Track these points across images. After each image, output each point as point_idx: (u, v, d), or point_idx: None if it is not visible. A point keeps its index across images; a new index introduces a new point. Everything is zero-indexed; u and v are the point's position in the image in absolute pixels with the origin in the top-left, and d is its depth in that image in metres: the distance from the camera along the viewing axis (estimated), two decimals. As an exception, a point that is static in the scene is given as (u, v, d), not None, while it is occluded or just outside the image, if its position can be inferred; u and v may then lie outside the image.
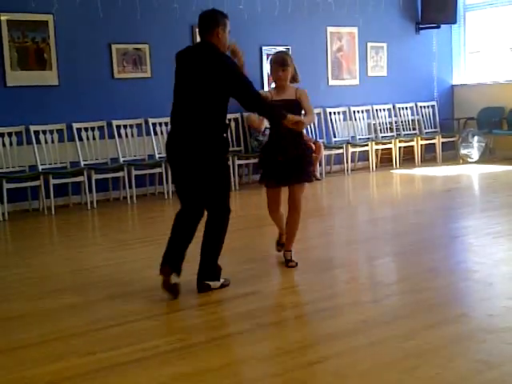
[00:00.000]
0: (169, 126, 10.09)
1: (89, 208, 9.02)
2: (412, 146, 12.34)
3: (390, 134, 12.36)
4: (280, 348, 3.86)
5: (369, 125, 12.15)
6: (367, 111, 12.08)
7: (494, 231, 6.52)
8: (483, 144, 12.07)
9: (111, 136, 9.65)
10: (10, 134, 8.92)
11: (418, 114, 12.78)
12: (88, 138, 9.47)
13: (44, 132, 9.13)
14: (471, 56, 13.36)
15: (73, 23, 9.38)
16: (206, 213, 5.03)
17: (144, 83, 10.00)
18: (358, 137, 11.94)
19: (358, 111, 12.00)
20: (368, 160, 11.87)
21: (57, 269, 6.04)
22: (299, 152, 5.34)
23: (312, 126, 11.23)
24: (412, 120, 12.69)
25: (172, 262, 4.87)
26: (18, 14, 8.96)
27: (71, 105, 9.39)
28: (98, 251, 6.74)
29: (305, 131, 11.03)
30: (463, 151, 12.20)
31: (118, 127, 9.72)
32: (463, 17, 13.17)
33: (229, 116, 10.77)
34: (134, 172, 9.47)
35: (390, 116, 12.41)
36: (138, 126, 9.89)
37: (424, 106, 12.87)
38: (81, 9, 9.40)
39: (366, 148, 11.77)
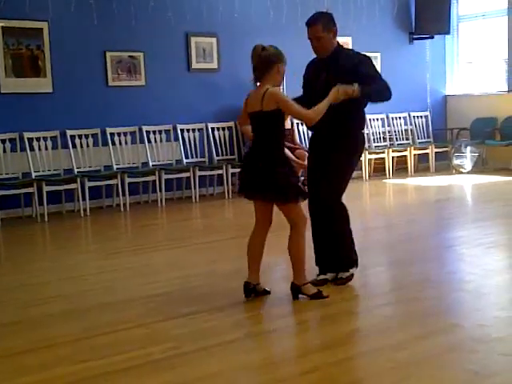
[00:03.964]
0: (162, 134, 10.12)
1: (82, 215, 9.00)
2: (405, 156, 12.37)
3: (383, 143, 12.39)
4: (272, 357, 3.86)
5: (362, 134, 12.16)
6: (361, 121, 12.09)
7: (486, 241, 6.53)
8: (476, 154, 12.12)
9: (105, 143, 9.65)
10: (3, 141, 8.91)
11: (411, 124, 12.82)
12: (82, 146, 9.46)
13: (38, 139, 9.12)
14: (464, 66, 13.41)
15: (67, 31, 9.39)
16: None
17: (138, 91, 10.01)
18: (351, 146, 11.94)
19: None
20: (361, 169, 11.89)
21: (49, 276, 6.02)
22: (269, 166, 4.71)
23: (305, 135, 11.26)
24: (405, 130, 12.72)
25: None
26: (12, 21, 8.96)
27: (65, 112, 9.38)
28: (90, 259, 6.73)
29: (298, 140, 11.09)
30: (456, 161, 12.25)
31: (112, 135, 9.72)
32: (456, 27, 13.23)
33: (222, 125, 10.83)
34: (128, 180, 9.46)
35: (383, 126, 12.44)
36: (132, 133, 9.89)
37: (417, 116, 12.91)
38: (76, 16, 9.41)
39: (359, 157, 11.78)
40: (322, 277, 5.17)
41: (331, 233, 5.14)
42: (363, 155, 11.71)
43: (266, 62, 4.64)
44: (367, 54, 5.33)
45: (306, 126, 5.05)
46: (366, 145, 12.07)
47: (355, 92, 4.78)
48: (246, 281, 4.86)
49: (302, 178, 11.20)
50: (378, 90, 5.01)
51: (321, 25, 5.06)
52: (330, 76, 5.04)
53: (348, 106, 4.85)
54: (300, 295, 4.81)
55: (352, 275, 5.18)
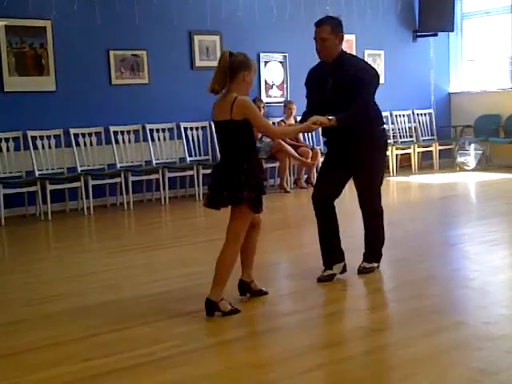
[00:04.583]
0: (165, 132, 10.12)
1: (85, 214, 9.00)
2: (409, 154, 12.36)
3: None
4: (275, 355, 3.85)
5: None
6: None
7: (490, 239, 6.52)
8: (480, 152, 12.09)
9: (108, 142, 9.65)
10: (7, 140, 8.91)
11: (414, 122, 12.80)
12: (85, 144, 9.46)
13: (41, 137, 9.13)
14: (468, 64, 13.39)
15: (71, 29, 9.39)
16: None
17: (142, 89, 10.01)
18: (355, 144, 11.93)
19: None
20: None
21: (53, 274, 6.03)
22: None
23: (309, 133, 11.25)
24: (409, 127, 12.70)
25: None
26: (16, 20, 8.96)
27: (68, 110, 9.38)
28: (94, 257, 6.73)
29: (302, 138, 11.09)
30: (460, 159, 12.23)
31: (116, 133, 9.71)
32: (460, 25, 13.20)
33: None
34: (131, 178, 9.46)
35: (387, 123, 12.41)
36: (136, 132, 9.89)
37: (421, 114, 12.89)
38: (79, 15, 9.41)
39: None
40: (328, 272, 5.20)
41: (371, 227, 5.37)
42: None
43: (232, 69, 4.46)
44: (372, 65, 5.34)
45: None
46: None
47: (331, 123, 4.78)
48: (240, 279, 4.83)
49: (306, 176, 11.24)
50: (353, 117, 4.94)
51: (329, 26, 5.06)
52: (337, 82, 5.05)
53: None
54: (216, 312, 4.49)
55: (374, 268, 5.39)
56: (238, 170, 4.46)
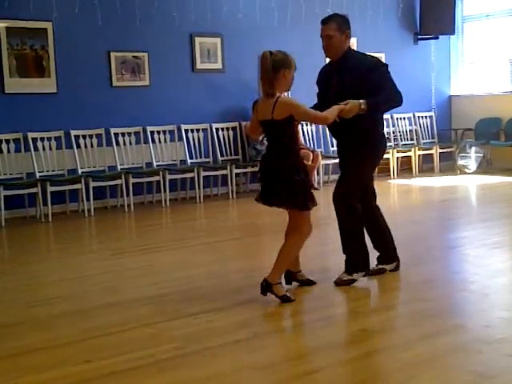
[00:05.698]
0: (166, 134, 10.12)
1: (86, 216, 9.01)
2: (410, 156, 12.36)
3: (387, 144, 12.35)
4: (277, 357, 3.86)
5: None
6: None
7: (490, 242, 6.52)
8: (480, 155, 12.09)
9: (109, 144, 9.65)
10: (7, 141, 8.91)
11: (415, 125, 12.80)
12: (86, 146, 9.46)
13: (42, 139, 9.13)
14: (469, 67, 13.39)
15: (72, 31, 9.40)
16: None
17: (142, 91, 10.02)
18: (355, 146, 11.93)
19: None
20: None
21: (53, 276, 6.03)
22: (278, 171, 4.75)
23: (310, 135, 11.26)
24: (410, 130, 12.70)
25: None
26: (17, 21, 8.97)
27: (69, 112, 9.39)
28: (94, 259, 6.73)
29: (302, 140, 11.08)
30: (461, 162, 12.23)
31: (116, 135, 9.72)
32: (461, 28, 13.21)
33: (227, 125, 10.84)
34: (132, 180, 9.46)
35: (387, 126, 12.41)
36: (136, 133, 9.89)
37: (422, 117, 12.90)
38: (80, 16, 9.42)
39: (363, 158, 11.77)
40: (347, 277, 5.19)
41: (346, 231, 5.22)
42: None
43: (273, 68, 4.60)
44: (381, 60, 5.31)
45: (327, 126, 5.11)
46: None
47: (362, 109, 4.79)
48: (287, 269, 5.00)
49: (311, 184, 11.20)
50: (385, 101, 4.99)
51: (335, 23, 5.05)
52: (341, 80, 5.05)
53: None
54: (268, 293, 4.75)
55: (353, 281, 5.16)
56: (276, 175, 4.70)
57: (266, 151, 4.95)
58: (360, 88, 4.90)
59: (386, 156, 12.03)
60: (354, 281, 5.16)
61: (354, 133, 5.06)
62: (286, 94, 4.93)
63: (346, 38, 5.09)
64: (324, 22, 5.11)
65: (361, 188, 5.19)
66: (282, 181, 4.68)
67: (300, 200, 4.69)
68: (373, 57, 5.33)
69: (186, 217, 9.09)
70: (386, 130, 12.75)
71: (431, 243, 6.75)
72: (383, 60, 12.44)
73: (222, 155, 10.58)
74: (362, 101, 4.78)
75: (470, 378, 3.43)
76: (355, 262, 5.20)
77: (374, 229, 5.36)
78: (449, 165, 12.67)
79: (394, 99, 5.04)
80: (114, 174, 9.48)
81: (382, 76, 5.03)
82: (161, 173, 9.66)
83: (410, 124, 12.73)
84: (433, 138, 12.98)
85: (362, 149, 5.11)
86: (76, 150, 9.33)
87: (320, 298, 4.95)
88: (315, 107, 5.08)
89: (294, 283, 5.16)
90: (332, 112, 4.71)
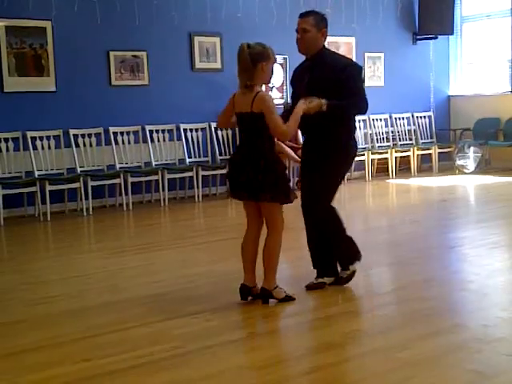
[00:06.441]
0: (165, 133, 10.12)
1: (85, 214, 9.01)
2: (408, 156, 12.37)
3: (386, 143, 12.37)
4: (274, 357, 3.86)
5: (365, 134, 12.16)
6: (364, 121, 12.08)
7: (489, 242, 6.53)
8: (479, 155, 12.10)
9: (108, 143, 9.65)
10: (6, 140, 8.91)
11: (414, 124, 12.80)
12: (85, 145, 9.46)
13: (41, 138, 9.12)
14: (468, 67, 13.40)
15: (71, 30, 9.39)
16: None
17: (141, 90, 10.01)
18: (354, 146, 11.94)
19: (355, 121, 11.99)
20: (364, 169, 11.89)
21: (52, 275, 6.03)
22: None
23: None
24: (408, 130, 12.71)
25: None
26: (16, 20, 8.96)
27: (68, 111, 9.39)
28: (93, 258, 6.73)
29: (301, 140, 11.07)
30: (459, 162, 12.23)
31: (115, 134, 9.72)
32: (460, 28, 13.22)
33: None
34: (131, 179, 9.46)
35: (386, 126, 12.43)
36: (135, 133, 9.89)
37: (420, 117, 12.90)
38: (79, 15, 9.41)
39: (362, 157, 11.76)
40: (319, 280, 5.12)
41: (323, 236, 5.10)
42: (366, 155, 11.73)
43: (251, 60, 4.54)
44: (358, 62, 5.24)
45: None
46: (369, 145, 12.11)
47: (322, 103, 4.69)
48: (242, 283, 4.81)
49: (297, 179, 11.18)
50: (348, 107, 4.91)
51: (313, 19, 4.97)
52: (313, 77, 4.96)
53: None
54: (270, 300, 4.70)
55: (353, 272, 5.14)
56: (255, 167, 4.57)
57: (240, 144, 4.87)
58: (329, 86, 4.80)
59: (384, 156, 12.10)
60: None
61: (329, 144, 4.96)
62: (264, 87, 4.82)
63: (321, 36, 5.00)
64: (302, 15, 5.03)
65: (334, 193, 5.11)
66: (263, 172, 4.56)
67: (281, 192, 4.62)
68: (348, 58, 5.28)
69: (185, 216, 9.09)
70: (384, 129, 12.85)
71: (430, 243, 6.75)
72: (382, 60, 12.49)
73: (220, 154, 10.58)
74: (324, 101, 4.69)
75: (469, 377, 3.44)
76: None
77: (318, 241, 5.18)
78: (447, 165, 12.67)
79: (358, 107, 4.97)
80: (113, 172, 9.48)
81: (352, 77, 4.93)
82: (159, 172, 9.66)
83: (409, 124, 12.73)
84: (431, 137, 12.99)
85: (336, 157, 4.99)
86: (75, 149, 9.33)
87: (316, 299, 4.94)
88: (283, 116, 4.84)
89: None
90: (290, 127, 4.61)
